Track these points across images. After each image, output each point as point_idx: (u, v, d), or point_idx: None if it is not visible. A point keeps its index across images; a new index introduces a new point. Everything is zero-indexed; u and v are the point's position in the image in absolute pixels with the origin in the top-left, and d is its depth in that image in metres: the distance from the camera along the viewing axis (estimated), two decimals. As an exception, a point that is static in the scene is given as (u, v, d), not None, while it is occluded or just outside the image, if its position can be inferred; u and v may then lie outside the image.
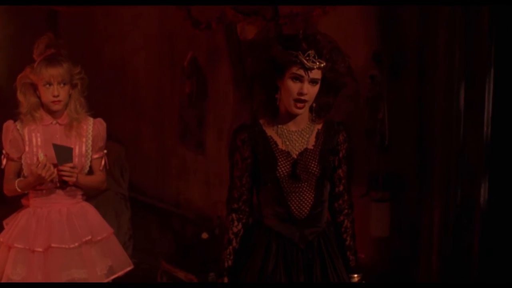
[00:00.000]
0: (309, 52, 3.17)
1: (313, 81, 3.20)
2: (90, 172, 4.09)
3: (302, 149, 3.30)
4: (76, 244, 3.94)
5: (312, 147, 3.31)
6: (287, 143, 3.29)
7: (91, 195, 4.37)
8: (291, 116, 3.28)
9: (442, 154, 4.35)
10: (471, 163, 4.29)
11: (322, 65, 3.18)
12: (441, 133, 4.33)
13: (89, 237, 3.99)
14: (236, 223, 3.37)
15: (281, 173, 3.27)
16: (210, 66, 6.09)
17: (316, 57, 3.17)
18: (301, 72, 3.18)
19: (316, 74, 3.20)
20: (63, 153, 3.85)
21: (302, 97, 3.18)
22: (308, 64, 3.18)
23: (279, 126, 3.31)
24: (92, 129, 4.08)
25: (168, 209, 6.68)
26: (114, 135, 6.10)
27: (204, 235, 5.69)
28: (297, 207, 3.31)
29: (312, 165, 3.29)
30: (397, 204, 4.55)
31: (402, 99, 4.47)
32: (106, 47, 7.33)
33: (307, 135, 3.32)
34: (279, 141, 3.30)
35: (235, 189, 3.35)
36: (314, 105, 3.27)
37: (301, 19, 4.68)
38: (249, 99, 5.18)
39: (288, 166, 3.27)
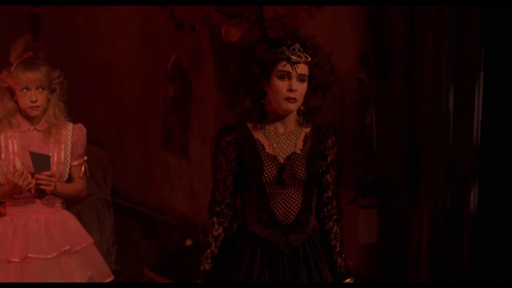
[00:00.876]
0: (294, 46, 3.15)
1: (301, 78, 3.17)
2: (70, 179, 4.01)
3: (289, 153, 3.25)
4: (54, 254, 3.85)
5: (299, 152, 3.26)
6: (274, 145, 3.25)
7: (71, 203, 4.30)
8: (280, 117, 3.24)
9: (431, 160, 4.29)
10: (460, 169, 4.24)
11: (308, 59, 3.15)
12: (430, 138, 4.28)
13: (68, 247, 3.90)
14: (216, 226, 3.32)
15: (267, 177, 3.22)
16: (194, 69, 6.05)
17: (302, 51, 3.15)
18: (288, 68, 3.15)
19: (303, 69, 3.17)
20: (40, 161, 3.76)
21: (292, 94, 3.14)
22: (294, 58, 3.15)
23: (267, 127, 3.27)
24: (71, 135, 3.99)
25: (152, 215, 6.65)
26: (96, 139, 6.41)
27: (188, 242, 5.66)
28: (282, 213, 3.26)
29: (299, 170, 3.24)
30: (385, 210, 4.52)
31: (390, 103, 4.43)
32: (89, 50, 7.30)
33: (295, 138, 3.27)
34: (266, 144, 3.25)
35: (218, 191, 3.30)
36: (302, 107, 3.24)
37: (286, 21, 4.62)
38: (234, 103, 4.97)
39: (274, 171, 3.23)
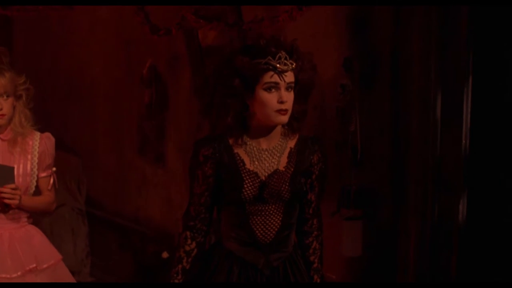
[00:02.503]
0: (279, 54, 3.00)
1: (289, 87, 3.02)
2: (37, 192, 3.83)
3: (272, 171, 3.12)
4: (19, 273, 3.66)
5: (283, 169, 3.13)
6: (256, 163, 3.11)
7: (40, 217, 4.17)
8: (263, 132, 3.10)
9: (418, 169, 4.21)
10: (448, 178, 4.17)
11: (293, 65, 3.01)
12: (416, 147, 4.20)
13: (34, 265, 3.72)
14: (189, 241, 3.18)
15: (247, 195, 3.08)
16: (170, 74, 5.99)
17: (288, 58, 3.00)
18: (275, 78, 3.00)
19: (290, 77, 3.02)
20: (4, 173, 3.58)
21: (283, 106, 3.00)
22: (282, 66, 3.00)
23: (249, 143, 3.12)
24: (38, 145, 3.82)
25: (128, 225, 6.57)
26: (70, 146, 6.71)
27: (165, 255, 5.56)
28: (262, 231, 3.13)
29: (282, 188, 3.11)
30: (370, 222, 4.44)
31: (375, 110, 4.35)
32: (63, 54, 7.25)
33: (279, 154, 3.14)
34: (246, 160, 3.11)
35: (193, 206, 3.16)
36: None
37: (266, 24, 4.52)
38: (210, 110, 5.05)
39: (254, 189, 3.10)
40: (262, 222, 3.12)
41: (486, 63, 4.06)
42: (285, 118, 3.03)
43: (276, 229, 3.13)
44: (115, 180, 6.77)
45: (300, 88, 3.08)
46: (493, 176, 4.08)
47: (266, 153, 3.13)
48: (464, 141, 4.12)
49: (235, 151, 3.11)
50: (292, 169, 3.14)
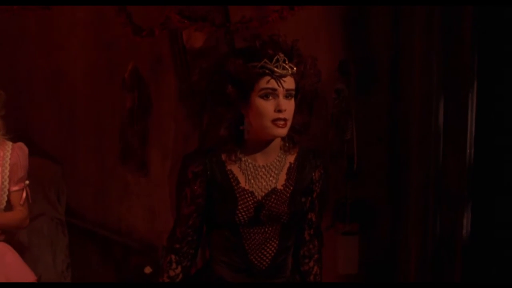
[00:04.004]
0: (277, 56, 2.79)
1: (288, 95, 2.82)
2: (9, 207, 3.72)
3: (269, 190, 2.92)
4: (-12, 294, 3.53)
5: (281, 187, 2.93)
6: (252, 181, 2.91)
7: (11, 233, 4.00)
8: (260, 147, 2.89)
9: (418, 180, 4.20)
10: (451, 191, 4.15)
11: (294, 70, 2.81)
12: (417, 156, 4.19)
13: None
14: (174, 265, 2.99)
15: (241, 217, 2.88)
16: (153, 78, 5.78)
17: (287, 61, 2.80)
18: (272, 84, 2.79)
19: (290, 83, 2.81)
20: None
21: (281, 115, 2.78)
22: (279, 70, 2.79)
23: (243, 159, 2.91)
24: (10, 156, 3.70)
25: (109, 236, 6.39)
26: (50, 153, 6.45)
27: (147, 270, 5.47)
28: (257, 257, 2.93)
29: (280, 209, 2.91)
30: (367, 237, 4.39)
31: (373, 117, 4.31)
32: (41, 57, 7.00)
33: (277, 172, 2.94)
34: (241, 178, 2.91)
35: (179, 227, 2.96)
36: None
37: (255, 25, 4.48)
38: (201, 119, 5.05)
39: (250, 210, 2.90)
40: (258, 246, 2.93)
41: (492, 66, 4.04)
42: (283, 131, 2.83)
43: (272, 254, 2.95)
44: (96, 189, 6.57)
45: (302, 97, 2.88)
46: (500, 188, 4.07)
47: (263, 170, 2.94)
48: (468, 150, 4.08)
49: (228, 167, 2.92)
50: (291, 188, 2.95)
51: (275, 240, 2.93)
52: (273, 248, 2.93)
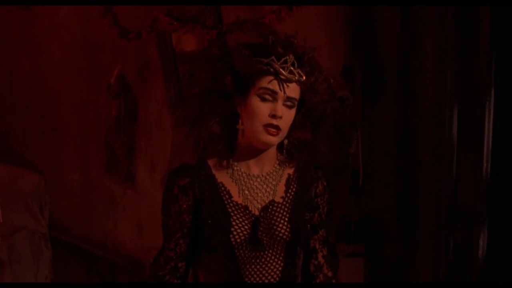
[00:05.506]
0: (287, 57, 2.63)
1: (289, 102, 2.66)
2: None
3: (267, 202, 2.73)
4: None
5: (280, 200, 2.74)
6: (246, 192, 2.72)
7: None
8: (254, 153, 2.71)
9: (430, 197, 4.02)
10: (466, 208, 3.98)
11: (302, 78, 2.65)
12: (429, 171, 4.00)
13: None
14: None
15: (236, 236, 2.68)
16: (140, 83, 5.78)
17: (296, 65, 2.64)
18: (274, 85, 2.63)
19: (294, 91, 2.66)
20: None
21: (275, 122, 2.62)
22: (285, 73, 2.63)
23: (236, 167, 2.73)
24: None
25: (94, 251, 6.41)
26: (32, 162, 6.33)
27: None
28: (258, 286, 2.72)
29: (280, 225, 2.71)
30: (374, 259, 4.22)
31: (380, 127, 4.14)
32: (21, 62, 7.13)
33: (274, 182, 2.76)
34: (234, 190, 2.72)
35: (163, 251, 2.75)
36: (285, 141, 2.74)
37: (249, 27, 4.34)
38: (193, 125, 4.94)
39: (246, 227, 2.70)
40: (258, 274, 2.71)
41: (511, 72, 3.89)
42: (273, 139, 2.66)
43: (276, 282, 2.74)
44: (80, 200, 6.59)
45: (306, 112, 2.73)
46: (518, 205, 3.94)
47: (259, 180, 2.75)
48: (485, 164, 3.92)
49: (219, 180, 2.73)
50: (291, 200, 2.76)
51: (277, 266, 2.72)
52: (275, 276, 2.72)
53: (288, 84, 2.64)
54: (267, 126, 2.64)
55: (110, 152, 6.08)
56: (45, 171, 6.39)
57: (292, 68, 2.64)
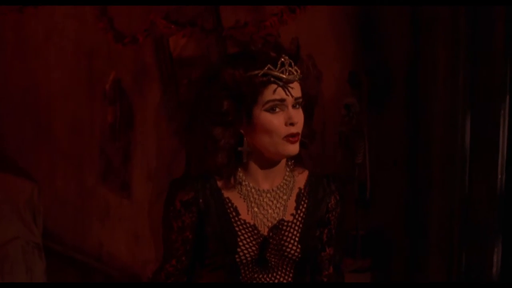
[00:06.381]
0: (282, 59, 2.52)
1: (296, 103, 2.55)
2: None
3: (277, 221, 2.59)
4: None
5: (291, 218, 2.61)
6: (255, 209, 2.59)
7: None
8: (264, 168, 2.60)
9: (441, 211, 3.94)
10: (480, 222, 3.88)
11: (299, 73, 2.58)
12: (440, 183, 3.93)
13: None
14: None
15: (243, 257, 2.56)
16: (137, 90, 5.73)
17: (292, 64, 2.53)
18: (280, 93, 2.52)
19: (298, 90, 2.55)
20: None
21: (294, 130, 2.52)
22: (286, 76, 2.52)
23: (244, 183, 2.59)
24: None
25: (89, 263, 6.35)
26: (25, 171, 6.42)
27: None
28: None
29: (290, 245, 2.59)
30: (381, 275, 4.16)
31: (388, 137, 4.08)
32: (15, 67, 7.08)
33: (285, 197, 2.63)
34: (242, 207, 2.59)
35: (163, 266, 2.64)
36: None
37: (251, 30, 4.28)
38: (189, 137, 4.85)
39: (253, 248, 2.58)
40: None
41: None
42: (296, 147, 2.56)
43: None
44: (75, 210, 6.50)
45: (306, 104, 2.64)
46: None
47: (269, 196, 2.62)
48: (499, 176, 3.83)
49: (226, 195, 2.60)
50: (303, 218, 2.64)
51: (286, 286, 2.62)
52: None
53: (291, 85, 2.53)
54: (288, 137, 2.54)
55: (106, 160, 6.04)
56: (38, 179, 6.39)
57: (290, 68, 2.54)
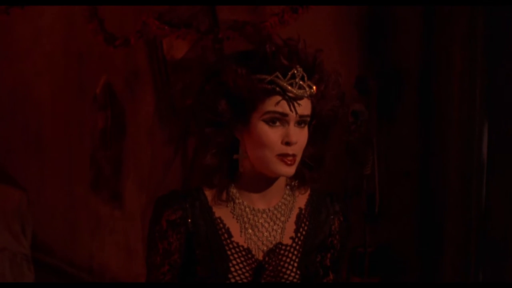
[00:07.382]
0: (294, 71, 2.27)
1: (301, 121, 2.34)
2: None
3: (273, 245, 2.41)
4: None
5: (289, 241, 2.42)
6: (249, 231, 2.40)
7: None
8: (260, 183, 2.40)
9: (456, 226, 3.84)
10: (497, 239, 3.79)
11: (313, 91, 2.32)
12: (455, 195, 3.83)
13: None
14: None
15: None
16: (128, 94, 5.76)
17: (306, 78, 2.28)
18: (283, 107, 2.30)
19: (306, 108, 2.33)
20: None
21: (290, 150, 2.31)
22: (295, 90, 2.29)
23: (238, 200, 2.40)
24: None
25: (80, 275, 6.35)
26: (14, 178, 6.32)
27: None
28: None
29: (288, 271, 2.41)
30: None
31: (399, 146, 4.02)
32: (2, 71, 7.17)
33: (283, 219, 2.44)
34: (234, 228, 2.41)
35: None
36: None
37: (249, 31, 4.25)
38: (182, 140, 4.44)
39: (246, 274, 2.40)
40: None
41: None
42: (290, 170, 2.33)
43: None
44: (65, 220, 6.53)
45: (317, 124, 2.40)
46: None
47: (265, 216, 2.43)
48: None
49: (217, 215, 2.41)
50: (302, 241, 2.45)
51: None
52: None
53: (299, 101, 2.31)
54: (281, 156, 2.32)
55: (96, 169, 6.01)
56: (28, 188, 6.32)
57: (301, 82, 2.30)
